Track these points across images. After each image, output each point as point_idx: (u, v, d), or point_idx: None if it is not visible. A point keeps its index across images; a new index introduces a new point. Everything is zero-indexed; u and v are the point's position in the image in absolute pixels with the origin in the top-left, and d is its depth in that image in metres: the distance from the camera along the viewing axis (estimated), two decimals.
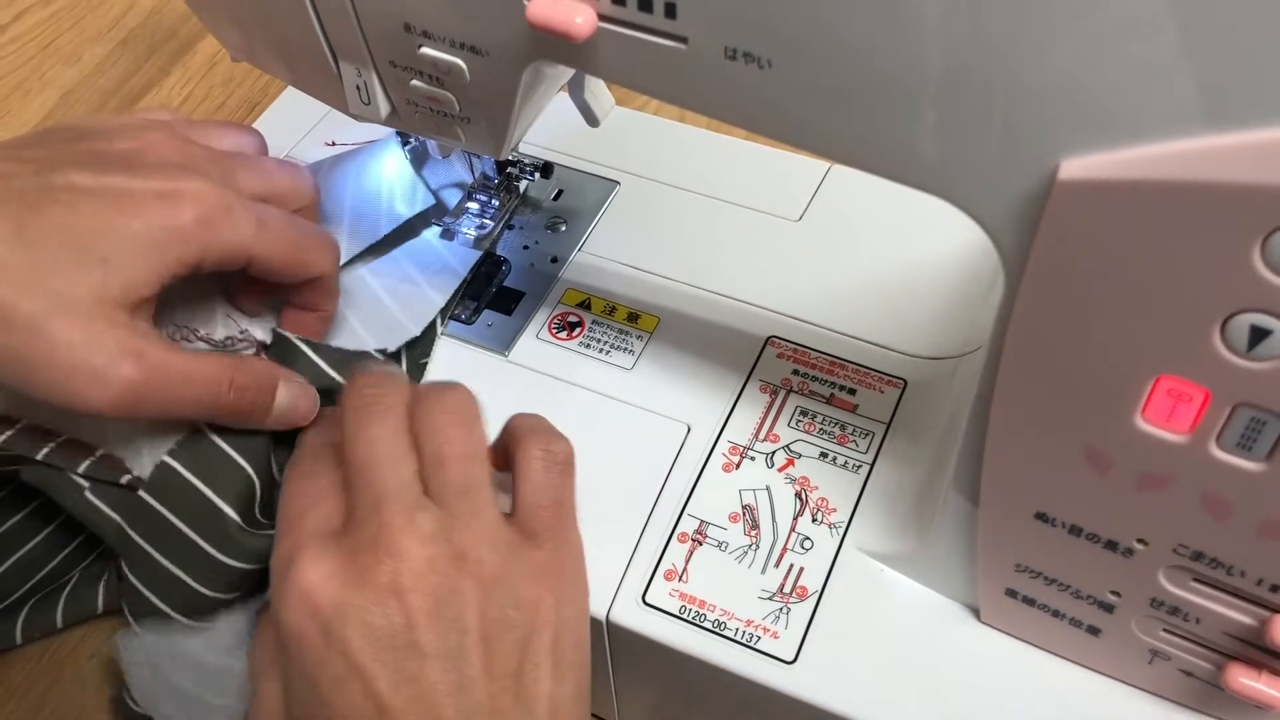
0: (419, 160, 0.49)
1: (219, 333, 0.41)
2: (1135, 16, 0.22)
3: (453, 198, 0.49)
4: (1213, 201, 0.23)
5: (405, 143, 0.48)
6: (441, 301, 0.45)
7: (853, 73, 0.26)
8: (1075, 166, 0.25)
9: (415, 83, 0.33)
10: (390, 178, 0.48)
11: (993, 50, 0.24)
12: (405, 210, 0.46)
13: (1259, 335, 0.25)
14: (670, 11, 0.27)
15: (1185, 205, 0.24)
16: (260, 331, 0.42)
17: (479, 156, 0.48)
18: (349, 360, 0.41)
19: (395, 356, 0.44)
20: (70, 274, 0.33)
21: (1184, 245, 0.24)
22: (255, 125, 0.53)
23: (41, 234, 0.33)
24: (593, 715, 0.46)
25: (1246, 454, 0.27)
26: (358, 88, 0.34)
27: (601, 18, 0.28)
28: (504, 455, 0.38)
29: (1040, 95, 0.24)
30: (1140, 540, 0.31)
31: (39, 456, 0.37)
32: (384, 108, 0.35)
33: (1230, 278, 0.24)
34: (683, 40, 0.27)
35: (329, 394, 0.41)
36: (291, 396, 0.39)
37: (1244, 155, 0.23)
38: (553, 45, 0.29)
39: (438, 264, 0.47)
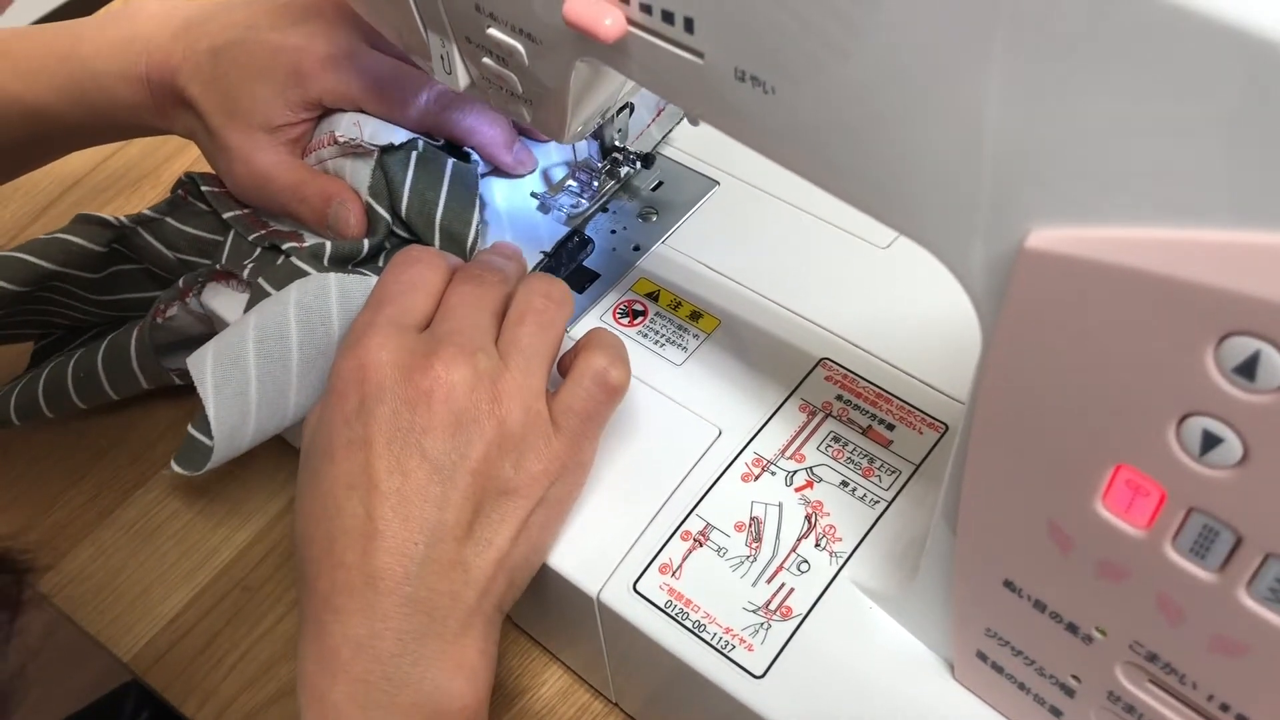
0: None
1: (341, 134, 0.48)
2: (1114, 111, 0.22)
3: (558, 173, 0.51)
4: (1169, 297, 0.22)
5: None
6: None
7: (845, 113, 0.26)
8: (1044, 237, 0.24)
9: (486, 60, 0.35)
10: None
11: (979, 110, 0.24)
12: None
13: (1211, 441, 0.24)
14: (689, 26, 0.27)
15: (1143, 295, 0.23)
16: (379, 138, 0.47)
17: (586, 139, 0.49)
18: None
19: None
20: (240, 108, 0.46)
21: (1141, 336, 0.23)
22: None
23: (226, 77, 0.46)
24: (590, 687, 0.47)
25: (1200, 562, 0.26)
26: (441, 58, 0.37)
27: (630, 23, 0.29)
28: (573, 356, 0.41)
29: (1019, 158, 0.24)
30: (1099, 629, 0.30)
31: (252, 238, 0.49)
32: (463, 79, 0.37)
33: (1184, 378, 0.23)
34: (700, 55, 0.28)
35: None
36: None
37: (1203, 254, 0.22)
38: (591, 43, 0.30)
39: (531, 233, 0.49)
